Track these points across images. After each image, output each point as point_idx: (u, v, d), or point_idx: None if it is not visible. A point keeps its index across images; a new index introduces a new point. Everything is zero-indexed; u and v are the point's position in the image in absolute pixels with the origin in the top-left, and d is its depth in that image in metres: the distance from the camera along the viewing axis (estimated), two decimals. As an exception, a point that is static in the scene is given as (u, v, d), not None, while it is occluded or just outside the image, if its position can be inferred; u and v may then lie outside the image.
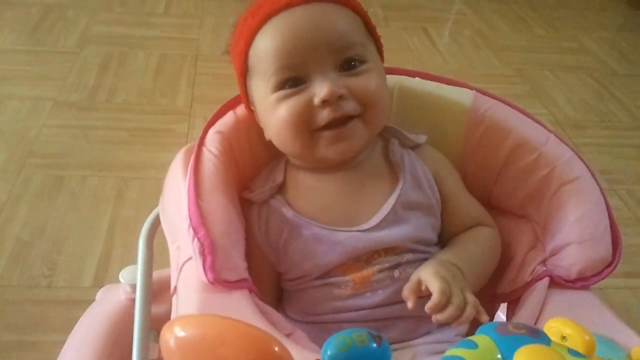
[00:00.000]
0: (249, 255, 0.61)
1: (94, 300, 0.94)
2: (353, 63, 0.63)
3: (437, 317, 0.54)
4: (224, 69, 1.76)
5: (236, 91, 0.71)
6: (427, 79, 0.76)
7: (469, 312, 0.55)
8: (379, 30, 0.70)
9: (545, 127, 0.69)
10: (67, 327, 0.88)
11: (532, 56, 2.16)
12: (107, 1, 2.25)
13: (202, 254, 0.55)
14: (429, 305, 0.54)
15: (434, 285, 0.55)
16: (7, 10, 2.08)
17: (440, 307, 0.54)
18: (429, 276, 0.57)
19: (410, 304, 0.56)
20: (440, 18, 2.47)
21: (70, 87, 1.65)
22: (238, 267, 0.57)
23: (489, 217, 0.71)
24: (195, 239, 0.56)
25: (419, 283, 0.57)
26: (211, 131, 0.67)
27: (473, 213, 0.70)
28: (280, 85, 0.62)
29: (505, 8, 2.58)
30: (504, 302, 0.61)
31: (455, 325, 0.55)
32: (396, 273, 0.62)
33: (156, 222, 0.78)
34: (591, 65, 2.14)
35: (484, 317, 0.55)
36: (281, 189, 0.67)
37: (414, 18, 2.38)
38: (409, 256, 0.63)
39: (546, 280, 0.60)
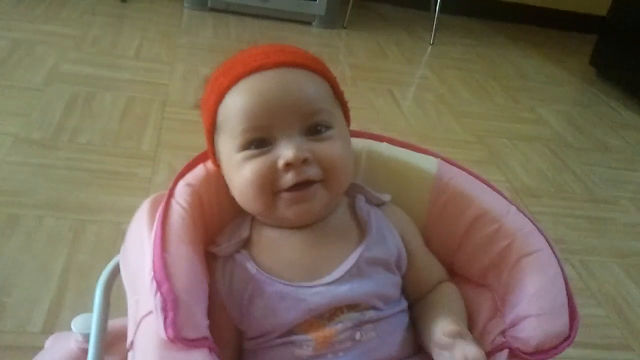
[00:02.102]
0: (211, 312, 0.60)
1: (42, 347, 0.90)
2: (319, 128, 0.65)
3: None
4: (191, 116, 1.79)
5: (203, 140, 0.71)
6: (394, 144, 0.78)
7: None
8: (346, 90, 0.72)
9: (506, 199, 0.72)
10: (12, 375, 0.84)
11: (492, 124, 2.24)
12: (78, 40, 2.25)
13: (164, 309, 0.54)
14: None
15: None
16: (-26, 42, 2.06)
17: None
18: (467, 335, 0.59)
19: None
20: (405, 81, 2.55)
21: (34, 124, 1.63)
22: (200, 324, 0.57)
23: (447, 273, 0.74)
24: (158, 293, 0.55)
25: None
26: (181, 183, 0.68)
27: (437, 271, 0.73)
28: (246, 145, 0.64)
29: (468, 76, 2.68)
30: (463, 371, 0.62)
31: None
32: (357, 335, 0.62)
33: (115, 271, 0.76)
34: (548, 137, 2.23)
35: None
36: (247, 243, 0.67)
37: (380, 79, 2.45)
38: (371, 314, 0.63)
39: (505, 352, 0.61)
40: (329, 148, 0.64)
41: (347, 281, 0.63)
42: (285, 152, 0.61)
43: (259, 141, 0.63)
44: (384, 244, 0.67)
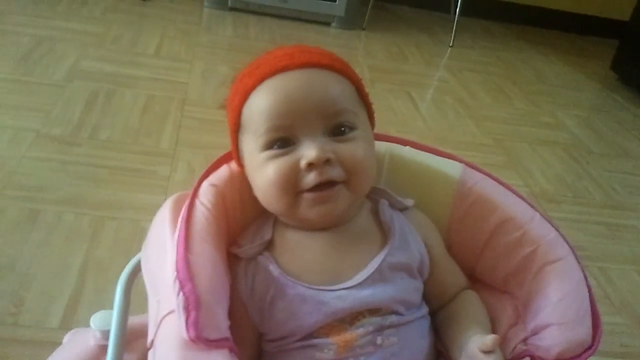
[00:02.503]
0: (232, 313, 0.60)
1: (59, 343, 0.91)
2: (343, 129, 0.64)
3: None
4: (210, 115, 1.80)
5: (221, 139, 0.72)
6: (418, 148, 0.78)
7: None
8: (365, 90, 0.72)
9: (531, 205, 0.71)
10: (31, 370, 0.85)
11: (511, 128, 2.22)
12: (99, 38, 2.27)
13: (187, 309, 0.54)
14: None
15: None
16: (-2, 38, 2.08)
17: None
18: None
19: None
20: (423, 83, 2.54)
21: (54, 120, 1.64)
22: (221, 325, 0.57)
23: (468, 280, 0.73)
24: (181, 293, 0.55)
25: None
26: (205, 183, 0.68)
27: (459, 278, 0.72)
28: (269, 145, 0.64)
29: (487, 79, 2.67)
30: (484, 378, 0.61)
31: None
32: (379, 340, 0.62)
33: (136, 269, 0.77)
34: (567, 142, 2.21)
35: None
36: (269, 245, 0.67)
37: (399, 81, 2.44)
38: (392, 319, 0.63)
39: (527, 360, 0.60)
40: (352, 149, 0.64)
41: (369, 286, 0.63)
42: (308, 152, 0.61)
43: (282, 141, 0.63)
44: (406, 249, 0.67)
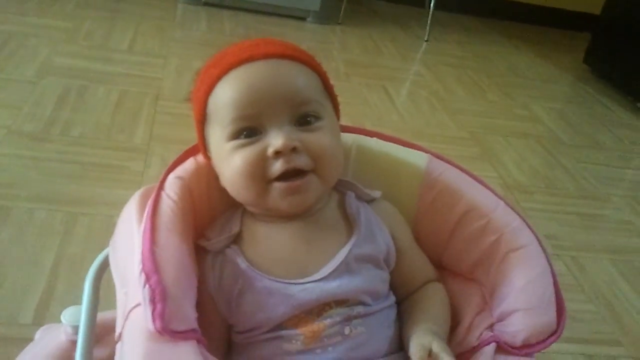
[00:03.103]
0: (199, 305, 0.60)
1: (32, 339, 0.90)
2: (308, 119, 0.65)
3: None
4: (184, 110, 1.76)
5: (195, 134, 0.71)
6: (384, 139, 0.78)
7: None
8: (340, 85, 0.72)
9: (495, 194, 0.72)
10: (1, 367, 0.84)
11: (485, 121, 2.24)
12: (71, 33, 2.24)
13: (152, 301, 0.54)
14: None
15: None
16: (-33, 34, 2.05)
17: None
18: (440, 350, 0.58)
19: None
20: (399, 77, 2.55)
21: (26, 117, 1.62)
22: (188, 317, 0.57)
23: (435, 271, 0.74)
24: (147, 286, 0.55)
25: (427, 350, 0.58)
26: (171, 176, 0.68)
27: (425, 269, 0.73)
28: (236, 135, 0.64)
29: (462, 73, 2.69)
30: (450, 365, 0.62)
31: None
32: (347, 330, 0.62)
33: (105, 263, 0.77)
34: (541, 134, 2.23)
35: None
36: (237, 238, 0.67)
37: (375, 75, 2.45)
38: (359, 309, 0.64)
39: (493, 345, 0.61)
40: (318, 138, 0.64)
41: (336, 277, 0.64)
42: (275, 140, 0.62)
43: (248, 130, 0.64)
44: (373, 241, 0.68)
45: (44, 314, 1.04)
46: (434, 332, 0.62)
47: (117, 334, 0.60)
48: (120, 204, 0.72)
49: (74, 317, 0.82)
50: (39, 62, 1.95)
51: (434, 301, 0.70)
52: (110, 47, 2.21)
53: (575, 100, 2.72)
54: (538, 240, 0.68)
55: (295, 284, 0.63)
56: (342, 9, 3.01)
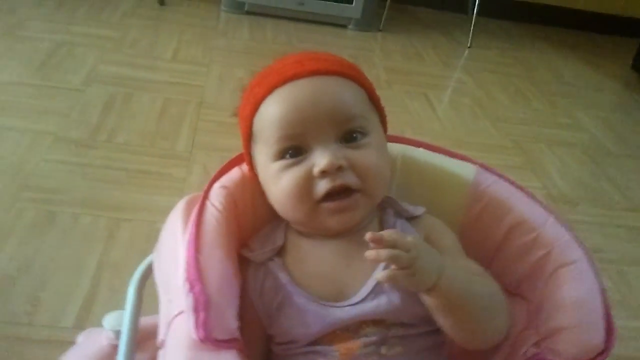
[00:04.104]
0: (241, 315, 0.60)
1: (74, 342, 0.92)
2: (354, 135, 0.64)
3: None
4: (226, 118, 1.79)
5: (237, 142, 0.72)
6: (431, 150, 0.77)
7: (383, 254, 0.54)
8: (381, 93, 0.71)
9: (545, 208, 0.70)
10: (45, 370, 0.86)
11: (529, 129, 2.20)
12: (117, 42, 2.29)
13: (196, 310, 0.55)
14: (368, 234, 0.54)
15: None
16: (17, 44, 2.11)
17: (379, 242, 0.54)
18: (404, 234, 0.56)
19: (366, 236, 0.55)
20: (440, 85, 2.52)
21: (72, 124, 1.66)
22: (230, 326, 0.57)
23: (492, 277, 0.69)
24: (191, 294, 0.56)
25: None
26: (216, 185, 0.68)
27: (473, 269, 0.68)
28: (281, 154, 0.64)
29: (505, 80, 2.64)
30: (494, 381, 0.61)
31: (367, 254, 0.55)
32: (383, 350, 0.62)
33: (148, 270, 0.77)
34: (586, 143, 2.18)
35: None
36: (280, 251, 0.67)
37: (416, 83, 2.43)
38: (396, 330, 0.63)
39: (539, 364, 0.59)
40: (364, 155, 0.64)
41: (373, 299, 0.63)
42: (320, 159, 0.61)
43: (294, 149, 0.63)
44: None
45: (86, 318, 1.06)
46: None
47: (159, 340, 0.60)
48: (162, 211, 0.73)
49: (116, 322, 0.83)
50: (86, 71, 2.00)
51: (478, 277, 0.65)
52: (155, 55, 2.25)
53: (623, 108, 2.65)
54: (588, 255, 0.66)
55: (332, 307, 0.63)
56: (384, 15, 3.00)
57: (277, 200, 0.66)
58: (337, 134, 0.64)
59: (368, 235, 0.55)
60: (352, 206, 0.63)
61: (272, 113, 0.64)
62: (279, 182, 0.64)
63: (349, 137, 0.64)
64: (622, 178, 1.95)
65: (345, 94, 0.65)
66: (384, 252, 0.54)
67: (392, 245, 0.55)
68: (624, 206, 1.80)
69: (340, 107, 0.64)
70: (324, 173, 0.61)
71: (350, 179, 0.62)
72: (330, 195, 0.62)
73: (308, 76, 0.65)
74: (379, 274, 0.56)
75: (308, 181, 0.62)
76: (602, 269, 1.44)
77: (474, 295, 0.62)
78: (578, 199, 1.78)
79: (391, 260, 0.54)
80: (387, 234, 0.55)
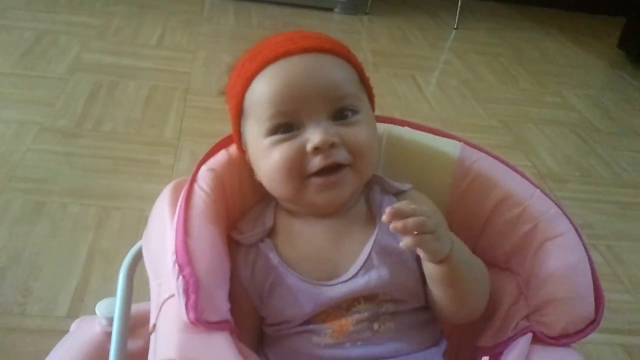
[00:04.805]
0: (232, 296, 0.60)
1: (67, 331, 0.92)
2: (346, 113, 0.64)
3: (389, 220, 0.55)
4: (213, 104, 1.80)
5: (225, 127, 0.71)
6: (415, 128, 0.77)
7: (410, 220, 0.55)
8: (369, 75, 0.71)
9: (531, 182, 0.70)
10: (38, 358, 0.87)
11: (517, 109, 2.20)
12: (101, 30, 2.27)
13: (186, 292, 0.55)
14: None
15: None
16: (0, 34, 2.08)
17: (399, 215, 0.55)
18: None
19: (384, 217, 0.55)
20: (428, 66, 2.52)
21: (58, 113, 1.65)
22: (221, 308, 0.57)
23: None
24: (180, 277, 0.56)
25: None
26: (203, 168, 0.68)
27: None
28: (273, 130, 0.63)
29: (492, 60, 2.64)
30: (485, 355, 0.61)
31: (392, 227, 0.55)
32: (375, 325, 0.62)
33: (138, 256, 0.77)
34: (575, 121, 2.19)
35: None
36: (270, 232, 0.67)
37: (403, 65, 2.43)
38: (388, 306, 0.63)
39: (529, 335, 0.60)
40: (356, 132, 0.64)
41: (364, 274, 0.63)
42: (314, 136, 0.61)
43: (286, 126, 0.63)
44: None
45: (79, 306, 1.06)
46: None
47: (150, 324, 0.60)
48: (151, 198, 0.72)
49: (108, 309, 0.83)
50: (70, 59, 1.98)
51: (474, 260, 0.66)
52: (139, 42, 2.23)
53: (610, 86, 2.66)
54: (575, 228, 0.66)
55: (324, 285, 0.63)
56: (370, -1, 2.99)
57: (266, 175, 0.65)
58: (329, 112, 0.63)
59: (387, 214, 0.55)
60: (340, 182, 0.63)
61: (264, 89, 0.64)
62: (270, 157, 0.63)
63: (341, 114, 0.64)
64: (611, 155, 1.97)
65: (337, 71, 0.65)
66: (411, 220, 0.55)
67: (412, 213, 0.55)
68: (613, 182, 1.81)
69: (333, 84, 0.64)
70: (317, 150, 0.61)
71: (341, 156, 0.62)
72: (320, 172, 0.62)
73: (300, 53, 0.64)
74: (406, 240, 0.55)
75: (299, 157, 0.62)
76: (593, 244, 1.47)
77: (473, 265, 0.64)
78: (567, 177, 1.79)
79: (419, 226, 0.55)
80: (404, 204, 0.56)
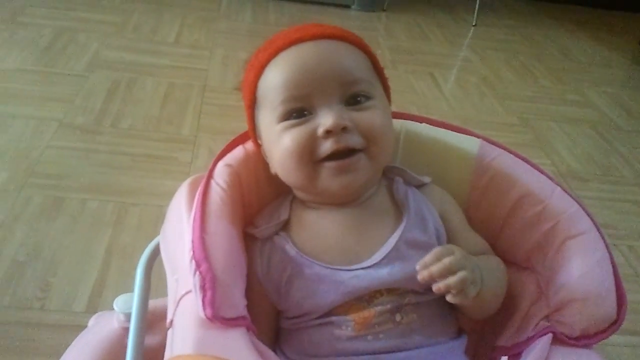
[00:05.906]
0: (248, 292, 0.60)
1: (85, 326, 0.92)
2: (359, 98, 0.64)
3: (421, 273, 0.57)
4: (231, 101, 1.80)
5: (242, 124, 0.71)
6: (433, 124, 0.76)
7: (452, 280, 0.56)
8: (386, 73, 0.71)
9: (551, 180, 0.69)
10: (56, 352, 0.86)
11: (537, 106, 2.18)
12: (119, 27, 2.28)
13: (203, 288, 0.55)
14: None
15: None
16: (20, 31, 2.11)
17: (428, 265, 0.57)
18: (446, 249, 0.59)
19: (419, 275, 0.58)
20: (446, 64, 2.50)
21: (77, 110, 1.66)
22: (237, 304, 0.57)
23: (492, 251, 0.71)
24: (197, 273, 0.55)
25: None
26: (220, 164, 0.68)
27: (482, 248, 0.70)
28: (286, 116, 0.63)
29: (512, 57, 2.62)
30: (505, 355, 0.61)
31: (435, 288, 0.57)
32: (398, 317, 0.61)
33: (155, 252, 0.77)
34: (595, 119, 2.16)
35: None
36: (285, 225, 0.67)
37: (421, 62, 2.41)
38: (410, 298, 0.62)
39: (549, 336, 0.59)
40: (369, 117, 0.63)
41: (387, 264, 0.62)
42: (325, 120, 0.61)
43: (298, 111, 0.63)
44: (423, 226, 0.66)
45: (97, 302, 1.07)
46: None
47: (168, 320, 0.60)
48: (169, 194, 0.72)
49: (126, 304, 0.84)
50: (89, 56, 1.99)
51: (491, 262, 0.68)
52: (158, 39, 2.24)
53: (631, 84, 2.62)
54: (596, 227, 0.65)
55: (345, 270, 0.62)
56: (387, -5, 2.97)
57: (279, 163, 0.65)
58: (341, 96, 0.63)
59: (421, 274, 0.58)
60: (355, 165, 0.62)
61: (277, 75, 0.64)
62: (282, 141, 0.63)
63: (354, 99, 0.63)
64: (632, 153, 1.94)
65: (350, 57, 0.65)
66: (452, 279, 0.57)
67: (448, 271, 0.57)
68: (635, 181, 1.78)
69: (345, 69, 0.63)
70: (328, 133, 0.61)
71: (354, 141, 0.62)
72: (332, 156, 0.61)
73: (313, 39, 0.64)
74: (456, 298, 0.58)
75: (311, 140, 0.62)
76: (614, 244, 1.45)
77: (496, 284, 0.65)
78: (588, 176, 1.77)
79: (462, 284, 0.57)
80: (435, 267, 0.57)
